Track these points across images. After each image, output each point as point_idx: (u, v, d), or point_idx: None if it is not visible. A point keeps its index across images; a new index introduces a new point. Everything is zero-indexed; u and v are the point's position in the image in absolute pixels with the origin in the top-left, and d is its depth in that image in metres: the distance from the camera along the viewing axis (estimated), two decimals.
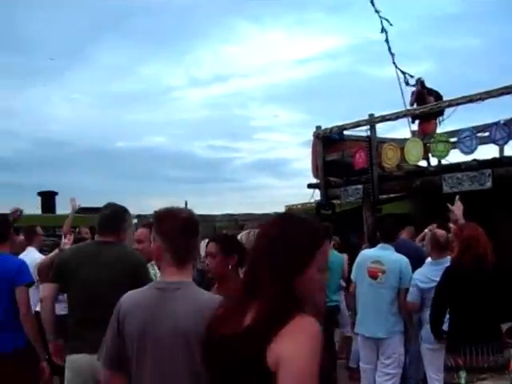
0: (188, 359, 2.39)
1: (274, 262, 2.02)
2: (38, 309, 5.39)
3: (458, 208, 5.33)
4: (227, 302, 2.27)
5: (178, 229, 2.61)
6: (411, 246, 7.21)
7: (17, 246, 5.34)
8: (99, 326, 3.74)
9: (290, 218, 2.24)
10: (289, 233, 2.07)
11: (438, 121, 12.39)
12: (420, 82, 13.01)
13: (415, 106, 12.82)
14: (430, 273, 5.84)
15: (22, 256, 6.65)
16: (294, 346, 1.88)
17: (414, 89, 13.21)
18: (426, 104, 12.17)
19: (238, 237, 4.73)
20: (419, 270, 6.09)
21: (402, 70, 14.12)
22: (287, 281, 1.99)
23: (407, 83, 13.92)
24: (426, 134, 12.07)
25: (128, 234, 4.79)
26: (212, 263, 4.08)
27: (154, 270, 4.76)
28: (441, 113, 12.13)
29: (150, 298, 2.54)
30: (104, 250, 4.43)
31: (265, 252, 2.07)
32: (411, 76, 13.84)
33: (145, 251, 4.76)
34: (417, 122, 12.88)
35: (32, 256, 6.68)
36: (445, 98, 12.33)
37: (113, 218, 4.57)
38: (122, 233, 4.59)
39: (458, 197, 5.58)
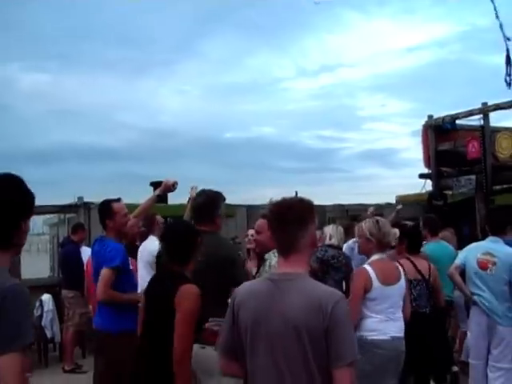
0: (299, 352, 2.42)
1: None
2: None
3: None
4: None
5: (276, 217, 2.64)
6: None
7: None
8: None
9: None
10: None
11: None
12: None
13: None
14: None
15: (143, 244, 6.95)
16: None
17: None
18: None
19: (364, 224, 4.89)
20: None
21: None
22: None
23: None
24: None
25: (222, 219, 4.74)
26: None
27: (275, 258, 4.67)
28: None
29: (262, 289, 2.58)
30: None
31: None
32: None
33: (262, 242, 4.87)
34: None
35: (151, 244, 6.70)
36: None
37: (207, 205, 4.58)
38: (217, 220, 4.59)
39: None
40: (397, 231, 5.02)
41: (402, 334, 4.78)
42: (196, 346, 3.73)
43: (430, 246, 7.44)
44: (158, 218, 7.74)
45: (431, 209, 11.91)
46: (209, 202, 4.60)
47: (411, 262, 5.88)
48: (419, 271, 5.87)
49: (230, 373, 2.77)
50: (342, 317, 2.41)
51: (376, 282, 4.69)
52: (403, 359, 4.82)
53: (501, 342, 6.14)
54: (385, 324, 4.71)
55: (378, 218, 5.09)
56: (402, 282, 4.85)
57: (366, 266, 4.83)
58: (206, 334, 3.69)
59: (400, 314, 4.81)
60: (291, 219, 2.58)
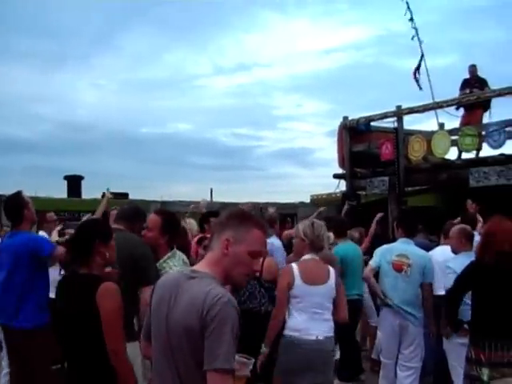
0: (179, 348, 2.44)
1: None
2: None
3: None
4: None
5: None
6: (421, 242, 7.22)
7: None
8: None
9: None
10: None
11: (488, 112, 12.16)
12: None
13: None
14: (455, 265, 5.80)
15: None
16: None
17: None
18: (474, 93, 12.07)
19: (300, 226, 5.05)
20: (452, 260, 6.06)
21: (419, 63, 14.17)
22: None
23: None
24: (469, 125, 11.90)
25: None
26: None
27: (171, 263, 4.77)
28: (488, 104, 12.03)
29: (171, 282, 2.60)
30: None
31: None
32: (420, 88, 14.08)
33: (150, 239, 4.76)
34: (461, 110, 12.70)
35: None
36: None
37: (134, 211, 4.89)
38: (136, 227, 4.77)
39: None
40: (331, 235, 5.19)
41: (328, 335, 4.88)
42: None
43: (340, 248, 7.45)
44: (50, 215, 8.20)
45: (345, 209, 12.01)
46: (136, 211, 5.01)
47: None
48: None
49: (147, 355, 2.79)
50: (218, 320, 2.32)
51: (298, 280, 4.84)
52: (331, 359, 5.02)
53: (412, 342, 6.31)
54: (309, 324, 4.82)
55: (315, 220, 5.24)
56: (330, 283, 4.94)
57: (293, 264, 4.99)
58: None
59: (328, 316, 4.91)
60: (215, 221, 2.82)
